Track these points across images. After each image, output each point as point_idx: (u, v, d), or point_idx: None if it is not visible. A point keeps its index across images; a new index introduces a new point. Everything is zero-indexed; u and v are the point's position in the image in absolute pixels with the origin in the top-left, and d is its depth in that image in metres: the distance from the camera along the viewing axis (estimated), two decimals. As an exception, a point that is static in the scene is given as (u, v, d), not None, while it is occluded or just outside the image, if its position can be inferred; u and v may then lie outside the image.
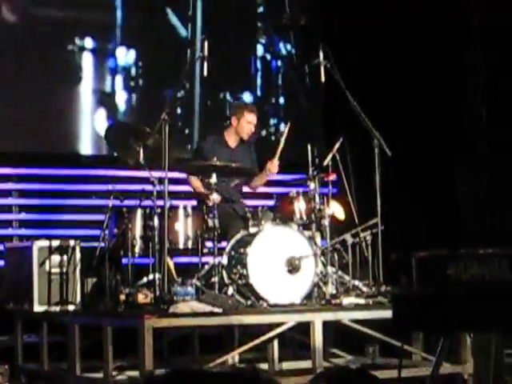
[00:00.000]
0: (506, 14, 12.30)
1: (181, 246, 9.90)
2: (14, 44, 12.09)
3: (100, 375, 9.16)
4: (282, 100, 13.47)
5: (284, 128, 11.00)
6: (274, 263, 9.53)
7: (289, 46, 13.62)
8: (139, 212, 9.85)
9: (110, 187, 10.21)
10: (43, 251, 10.02)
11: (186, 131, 12.72)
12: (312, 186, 10.01)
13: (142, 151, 9.76)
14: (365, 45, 12.37)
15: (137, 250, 9.84)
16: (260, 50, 13.60)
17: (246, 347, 9.33)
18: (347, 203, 10.24)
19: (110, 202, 9.95)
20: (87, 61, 12.60)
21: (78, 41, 12.56)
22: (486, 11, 12.66)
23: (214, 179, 9.84)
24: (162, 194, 9.52)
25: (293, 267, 9.52)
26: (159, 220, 9.56)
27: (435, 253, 6.45)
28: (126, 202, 9.98)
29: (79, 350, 9.47)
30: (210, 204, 9.71)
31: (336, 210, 10.23)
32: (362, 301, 9.54)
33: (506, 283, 5.65)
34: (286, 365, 9.73)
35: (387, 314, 8.13)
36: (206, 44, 10.22)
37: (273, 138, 13.36)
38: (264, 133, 13.36)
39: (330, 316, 9.32)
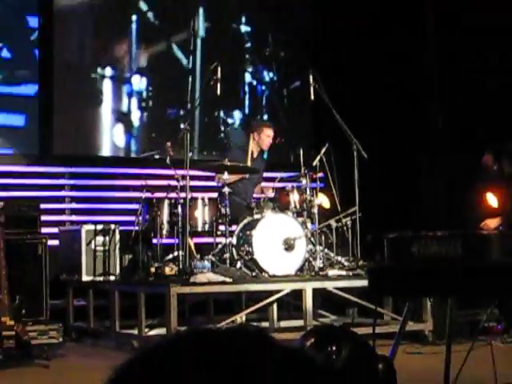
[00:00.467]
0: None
1: (199, 229, 9.84)
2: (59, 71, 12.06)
3: (135, 331, 9.24)
4: (265, 117, 13.37)
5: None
6: (273, 243, 9.44)
7: (271, 74, 13.39)
8: (166, 202, 9.80)
9: (143, 182, 10.28)
10: (90, 233, 9.98)
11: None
12: (304, 181, 9.95)
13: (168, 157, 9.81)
14: (342, 71, 12.30)
15: (164, 232, 9.75)
16: (248, 77, 13.41)
17: (251, 309, 9.43)
18: (332, 195, 10.18)
19: (143, 194, 9.96)
20: (107, 86, 12.50)
21: (100, 70, 12.43)
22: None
23: (226, 175, 9.91)
24: (184, 188, 9.53)
25: (288, 246, 9.50)
26: (182, 208, 9.56)
27: (402, 234, 6.45)
28: (156, 194, 9.99)
29: (118, 312, 9.52)
30: (221, 182, 9.85)
31: (323, 200, 10.23)
32: (343, 273, 9.55)
33: (458, 258, 5.66)
34: (283, 323, 9.69)
35: (364, 283, 8.25)
36: (218, 69, 10.21)
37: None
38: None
39: (318, 284, 9.34)
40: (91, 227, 10.11)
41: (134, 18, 12.64)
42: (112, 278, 9.95)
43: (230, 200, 9.76)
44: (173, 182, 9.82)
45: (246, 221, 9.72)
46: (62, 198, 11.77)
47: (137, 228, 9.97)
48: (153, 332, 9.25)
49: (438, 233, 6.11)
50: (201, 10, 13.01)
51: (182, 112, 12.77)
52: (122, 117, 12.50)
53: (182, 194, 9.58)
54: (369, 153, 10.06)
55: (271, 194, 10.60)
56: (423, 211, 11.14)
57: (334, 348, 2.61)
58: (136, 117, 12.61)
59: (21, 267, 8.49)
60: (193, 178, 9.88)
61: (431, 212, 11.13)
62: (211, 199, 9.94)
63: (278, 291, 9.20)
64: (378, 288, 6.48)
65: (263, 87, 13.47)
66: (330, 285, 9.41)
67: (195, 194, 9.89)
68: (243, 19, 13.36)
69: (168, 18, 12.82)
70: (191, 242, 9.67)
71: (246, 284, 9.31)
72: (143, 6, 12.66)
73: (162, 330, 9.00)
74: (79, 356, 8.79)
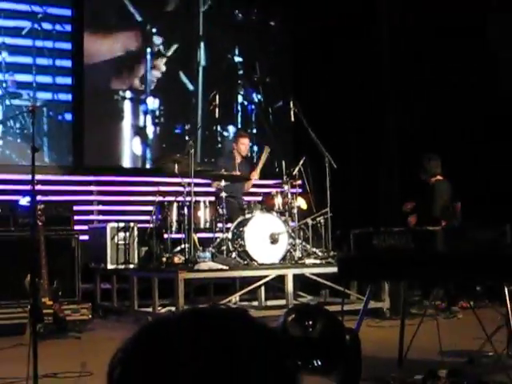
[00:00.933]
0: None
1: (201, 226, 9.81)
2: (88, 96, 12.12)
3: (150, 309, 9.22)
4: (254, 130, 13.43)
5: (263, 150, 10.98)
6: (261, 237, 9.43)
7: (259, 96, 13.52)
8: (175, 204, 9.73)
9: (156, 189, 10.31)
10: (113, 230, 9.96)
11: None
12: (286, 187, 9.94)
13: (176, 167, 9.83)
14: (317, 96, 12.34)
15: (173, 229, 9.72)
16: (240, 98, 13.43)
17: (243, 291, 9.49)
18: (308, 198, 10.13)
19: (156, 198, 9.95)
20: (127, 106, 12.56)
21: (121, 93, 12.49)
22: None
23: (222, 183, 9.95)
24: (189, 193, 9.52)
25: (273, 240, 9.49)
26: (188, 209, 9.54)
27: (365, 230, 6.48)
28: (166, 198, 9.91)
29: (136, 293, 9.54)
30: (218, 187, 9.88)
31: (301, 203, 10.19)
32: (318, 261, 9.58)
33: (409, 250, 5.69)
34: (269, 302, 9.71)
35: (334, 269, 8.13)
36: (217, 97, 10.28)
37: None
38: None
39: (297, 271, 9.36)
40: (114, 225, 10.11)
41: (148, 50, 12.70)
42: (131, 266, 9.93)
43: (226, 202, 9.80)
44: (180, 188, 9.81)
45: (239, 219, 9.68)
46: (90, 202, 11.76)
47: (151, 225, 9.98)
48: (164, 310, 9.18)
49: (393, 229, 6.15)
50: (202, 44, 13.05)
51: (187, 127, 12.82)
52: (139, 131, 12.54)
53: (188, 198, 9.55)
54: (338, 164, 10.08)
55: (256, 177, 10.66)
56: (381, 211, 11.15)
57: (310, 322, 2.64)
58: (150, 131, 12.65)
59: (58, 257, 8.49)
60: (196, 184, 9.87)
61: (387, 212, 11.13)
62: (211, 202, 9.87)
63: (265, 276, 9.25)
64: (346, 273, 6.51)
65: (252, 106, 13.48)
66: (307, 271, 9.44)
67: (198, 198, 9.85)
68: (236, 51, 13.38)
69: (176, 51, 12.85)
70: (195, 236, 9.60)
71: (240, 271, 9.33)
72: (156, 41, 12.73)
73: (172, 308, 8.96)
74: (105, 329, 8.78)
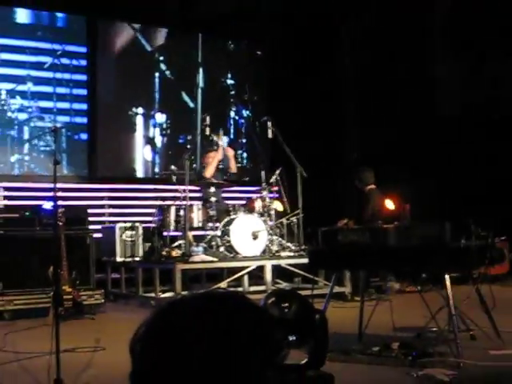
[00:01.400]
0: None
1: (195, 225, 9.75)
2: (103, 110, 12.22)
3: (152, 295, 9.18)
4: (244, 140, 13.53)
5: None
6: (244, 234, 9.40)
7: (248, 112, 13.63)
8: (173, 207, 9.68)
9: (157, 194, 10.28)
10: (121, 229, 9.91)
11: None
12: (264, 193, 9.95)
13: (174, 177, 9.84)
14: (290, 115, 12.36)
15: (172, 227, 9.67)
16: (232, 113, 13.59)
17: (230, 279, 9.40)
18: (283, 202, 10.14)
19: (158, 202, 9.97)
20: (140, 120, 12.64)
21: (134, 109, 12.54)
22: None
23: (212, 189, 9.95)
24: (185, 198, 9.51)
25: (255, 236, 9.46)
26: (184, 211, 9.51)
27: (331, 228, 6.50)
28: (166, 202, 9.83)
29: (141, 281, 9.53)
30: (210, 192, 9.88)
31: (277, 205, 10.19)
32: (291, 254, 9.57)
33: (367, 244, 5.72)
34: (252, 288, 9.64)
35: (305, 260, 8.29)
36: (207, 118, 10.32)
37: (239, 159, 13.48)
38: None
39: (274, 262, 9.35)
40: (123, 225, 10.05)
41: (156, 74, 12.80)
42: (137, 258, 9.86)
43: (215, 206, 9.79)
44: (177, 194, 9.78)
45: (226, 220, 9.61)
46: (102, 206, 11.73)
47: (153, 225, 9.92)
48: (164, 295, 9.13)
49: (354, 227, 6.17)
50: (201, 70, 13.14)
51: (188, 137, 12.90)
52: (150, 140, 12.61)
53: (184, 202, 9.53)
54: (308, 173, 10.06)
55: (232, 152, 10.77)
56: (343, 212, 11.16)
57: (286, 305, 2.64)
58: (159, 140, 12.70)
59: (75, 252, 8.45)
60: (191, 191, 9.85)
61: (350, 212, 11.14)
62: (203, 205, 9.84)
63: (248, 267, 9.24)
64: (315, 264, 6.58)
65: (242, 120, 13.61)
66: (282, 262, 9.42)
67: (192, 202, 9.83)
68: (229, 75, 13.47)
69: (179, 75, 12.93)
70: (190, 234, 9.61)
71: (227, 262, 9.31)
72: (163, 66, 12.83)
73: (170, 294, 8.94)
74: (115, 312, 8.76)
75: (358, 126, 12.82)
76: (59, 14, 11.96)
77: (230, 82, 13.51)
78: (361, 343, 5.89)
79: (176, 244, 9.62)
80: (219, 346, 1.14)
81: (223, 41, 13.46)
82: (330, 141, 12.57)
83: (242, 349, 1.16)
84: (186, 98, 12.97)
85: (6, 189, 11.00)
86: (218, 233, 9.58)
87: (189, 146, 11.70)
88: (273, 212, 9.97)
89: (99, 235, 10.24)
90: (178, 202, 9.71)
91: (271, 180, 10.11)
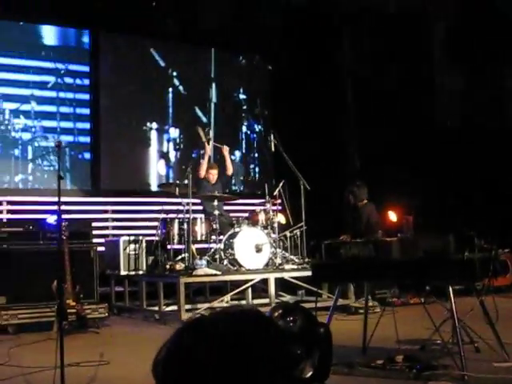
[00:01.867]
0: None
1: (198, 238, 9.74)
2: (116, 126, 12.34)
3: (156, 308, 9.14)
4: (256, 155, 13.67)
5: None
6: (248, 247, 9.42)
7: (259, 126, 13.74)
8: (176, 221, 9.71)
9: (161, 207, 10.29)
10: (125, 242, 9.90)
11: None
12: (268, 205, 9.99)
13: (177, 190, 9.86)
14: (293, 129, 12.41)
15: (175, 240, 9.67)
16: (244, 128, 13.76)
17: (234, 292, 9.39)
18: (287, 215, 10.18)
19: (161, 216, 9.95)
20: (154, 135, 12.77)
21: (148, 124, 12.71)
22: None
23: (215, 202, 9.96)
24: (188, 211, 9.51)
25: (258, 249, 9.47)
26: (187, 225, 9.52)
27: (334, 241, 6.49)
28: (169, 215, 9.84)
29: (145, 295, 9.54)
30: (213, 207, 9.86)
31: (281, 218, 10.21)
32: (295, 266, 9.56)
33: (370, 257, 5.72)
34: (255, 301, 9.57)
35: (309, 273, 8.21)
36: (211, 131, 10.42)
37: (251, 173, 13.70)
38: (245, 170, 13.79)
39: (278, 275, 9.34)
40: (126, 238, 10.04)
41: (170, 89, 13.03)
42: (140, 272, 9.87)
43: (218, 219, 9.80)
44: (180, 207, 9.76)
45: (229, 233, 9.65)
46: (106, 219, 11.75)
47: (157, 238, 9.90)
48: (168, 308, 9.16)
49: (357, 240, 6.16)
50: (213, 85, 13.38)
51: (201, 152, 12.98)
52: (164, 155, 12.87)
53: (187, 215, 9.53)
54: (311, 186, 10.09)
55: (227, 149, 10.68)
56: (345, 228, 11.16)
57: (291, 318, 2.65)
58: (172, 155, 12.95)
59: (79, 265, 8.44)
60: (194, 204, 9.86)
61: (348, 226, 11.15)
62: (206, 218, 9.88)
63: (252, 280, 9.21)
64: (318, 276, 6.53)
65: (254, 135, 13.73)
66: (286, 275, 9.40)
67: (195, 215, 9.83)
68: (241, 90, 13.69)
69: (192, 90, 13.15)
70: (193, 247, 9.58)
71: (230, 275, 9.29)
72: (176, 82, 13.07)
73: (174, 307, 8.90)
74: (119, 325, 8.75)
75: (360, 135, 12.87)
76: (62, 32, 12.05)
77: (241, 96, 13.76)
78: (365, 356, 5.88)
79: (179, 257, 9.58)
80: (241, 368, 1.16)
81: (235, 56, 13.63)
82: (332, 152, 12.62)
83: (264, 370, 1.17)
84: (199, 112, 13.15)
85: (10, 203, 11.04)
86: (222, 246, 9.57)
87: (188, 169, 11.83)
88: (276, 225, 9.93)
89: (103, 249, 10.23)
90: (181, 215, 9.72)
91: (274, 193, 10.13)
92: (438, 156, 12.03)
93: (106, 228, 11.70)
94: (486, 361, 5.37)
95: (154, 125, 12.75)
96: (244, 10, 12.72)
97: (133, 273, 9.90)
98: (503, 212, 11.00)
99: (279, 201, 10.20)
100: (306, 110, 12.78)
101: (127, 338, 7.65)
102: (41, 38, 11.89)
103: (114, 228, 11.75)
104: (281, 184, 10.15)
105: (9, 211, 10.96)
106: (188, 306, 8.92)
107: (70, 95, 11.97)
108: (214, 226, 9.72)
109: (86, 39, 12.24)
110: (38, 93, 11.69)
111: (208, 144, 10.63)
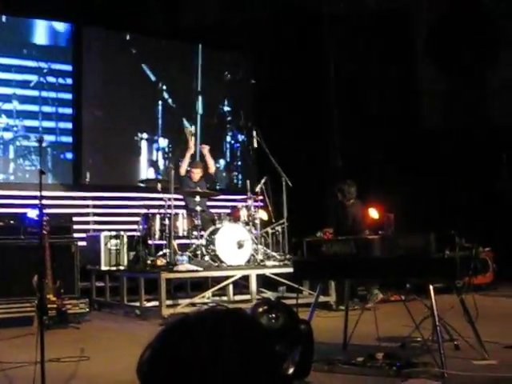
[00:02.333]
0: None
1: (180, 234, 9.70)
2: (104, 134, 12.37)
3: (137, 304, 9.16)
4: (239, 163, 13.83)
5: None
6: (230, 243, 9.36)
7: (242, 137, 13.83)
8: (158, 216, 9.67)
9: (142, 202, 10.27)
10: (106, 237, 9.90)
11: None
12: (250, 202, 9.98)
13: (159, 185, 9.85)
14: (276, 129, 12.45)
15: (156, 236, 9.63)
16: (228, 138, 13.94)
17: (215, 288, 9.38)
18: (268, 211, 10.18)
19: (142, 211, 9.94)
20: (144, 144, 12.85)
21: (139, 134, 12.77)
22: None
23: (197, 198, 9.95)
24: (169, 207, 9.47)
25: (240, 245, 9.43)
26: (169, 220, 9.48)
27: (315, 238, 6.52)
28: (151, 211, 9.83)
29: (126, 290, 9.52)
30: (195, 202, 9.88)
31: (262, 215, 10.22)
32: (276, 263, 9.56)
33: (352, 255, 5.73)
34: (237, 297, 9.69)
35: (290, 270, 8.18)
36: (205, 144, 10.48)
37: (234, 179, 13.94)
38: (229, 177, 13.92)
39: (259, 271, 9.34)
40: (107, 233, 10.07)
41: (159, 102, 13.20)
42: (121, 267, 9.86)
43: (200, 215, 9.79)
44: (162, 202, 9.75)
45: (211, 229, 9.63)
46: (87, 214, 11.71)
47: (138, 234, 9.89)
48: (149, 304, 9.18)
49: (338, 237, 6.19)
50: (200, 98, 13.63)
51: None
52: (153, 163, 13.03)
53: (169, 211, 9.51)
54: (293, 182, 10.12)
55: (207, 148, 10.80)
56: (327, 221, 11.21)
57: (273, 315, 2.66)
58: (161, 163, 13.06)
59: (60, 260, 8.42)
60: (176, 200, 9.84)
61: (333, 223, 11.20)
62: (188, 214, 9.87)
63: (233, 276, 9.22)
64: (300, 273, 6.53)
65: (238, 144, 14.02)
66: (267, 271, 9.39)
67: (177, 211, 9.79)
68: (226, 102, 13.98)
69: (180, 103, 13.35)
70: (175, 243, 9.57)
71: (212, 271, 9.26)
72: (165, 95, 13.26)
73: (155, 303, 8.89)
74: (100, 320, 8.74)
75: (342, 133, 12.91)
76: (45, 30, 11.97)
77: (226, 108, 14.10)
78: (345, 353, 5.89)
79: (161, 253, 9.55)
80: (226, 366, 1.16)
81: (220, 71, 13.92)
82: (313, 151, 12.66)
83: (249, 367, 1.18)
84: (186, 123, 13.33)
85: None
86: (203, 242, 9.55)
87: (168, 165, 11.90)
88: (258, 221, 9.96)
89: (84, 243, 10.19)
90: (162, 211, 9.70)
91: (256, 189, 10.13)
92: (421, 155, 12.09)
93: (88, 223, 11.64)
94: (465, 358, 5.40)
95: (145, 135, 12.92)
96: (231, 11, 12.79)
97: (114, 268, 9.87)
98: (486, 211, 11.09)
99: (261, 197, 10.19)
100: (289, 107, 12.81)
101: (108, 334, 7.63)
102: (24, 37, 11.78)
103: (96, 223, 11.72)
104: (263, 180, 10.16)
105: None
106: (169, 302, 8.89)
107: (52, 94, 11.89)
108: (196, 222, 9.70)
109: (68, 37, 12.15)
110: (20, 92, 11.61)
111: (191, 139, 10.63)
